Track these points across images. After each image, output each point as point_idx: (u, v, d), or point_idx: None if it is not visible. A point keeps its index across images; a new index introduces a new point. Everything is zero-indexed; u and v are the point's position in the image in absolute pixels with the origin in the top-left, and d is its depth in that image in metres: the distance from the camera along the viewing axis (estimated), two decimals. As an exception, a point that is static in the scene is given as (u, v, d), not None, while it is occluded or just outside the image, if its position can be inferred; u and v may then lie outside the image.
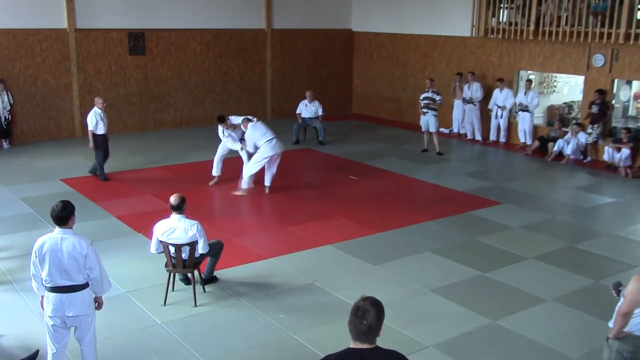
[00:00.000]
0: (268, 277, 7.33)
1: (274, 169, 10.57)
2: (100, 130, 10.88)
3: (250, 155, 10.65)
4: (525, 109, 13.91)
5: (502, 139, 14.78)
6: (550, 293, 6.97)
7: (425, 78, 15.25)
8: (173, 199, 6.50)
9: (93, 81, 14.82)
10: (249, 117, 10.68)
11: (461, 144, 14.96)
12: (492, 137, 14.89)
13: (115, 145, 13.71)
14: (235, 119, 10.92)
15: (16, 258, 7.71)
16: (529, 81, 14.22)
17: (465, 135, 15.37)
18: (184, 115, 16.32)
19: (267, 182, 10.59)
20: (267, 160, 10.31)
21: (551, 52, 13.92)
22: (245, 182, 10.50)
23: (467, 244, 8.45)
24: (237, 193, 10.52)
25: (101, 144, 10.98)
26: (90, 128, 10.85)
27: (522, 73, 14.95)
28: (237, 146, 10.85)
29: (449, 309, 6.59)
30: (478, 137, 15.10)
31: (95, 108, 10.91)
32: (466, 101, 14.89)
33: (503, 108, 14.43)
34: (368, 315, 3.05)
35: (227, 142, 10.90)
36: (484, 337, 6.05)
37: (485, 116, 15.04)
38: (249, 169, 10.45)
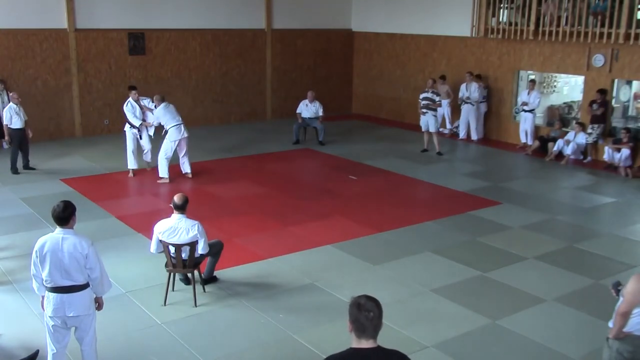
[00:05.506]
0: (268, 277, 7.34)
1: (185, 154, 11.36)
2: (16, 124, 11.34)
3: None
4: (529, 109, 13.88)
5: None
6: (550, 293, 6.97)
7: (425, 78, 15.25)
8: (177, 199, 6.52)
9: (93, 81, 14.82)
10: (163, 97, 11.45)
11: (461, 144, 14.96)
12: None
13: (116, 145, 13.73)
14: (146, 101, 11.55)
15: (16, 258, 7.71)
16: (533, 81, 14.18)
17: (458, 134, 15.39)
18: (184, 115, 16.07)
19: (186, 169, 11.40)
20: (175, 143, 11.07)
21: (551, 52, 13.91)
22: (164, 170, 11.09)
23: (467, 244, 8.45)
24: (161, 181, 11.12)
25: (16, 138, 11.40)
26: (4, 122, 11.47)
27: (522, 73, 14.94)
28: (137, 122, 11.28)
29: (449, 309, 6.60)
30: (474, 137, 15.10)
31: (11, 103, 11.41)
32: (464, 101, 14.93)
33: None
34: (370, 306, 3.17)
35: (128, 114, 11.29)
36: (484, 337, 6.05)
37: (481, 116, 15.07)
38: (162, 154, 11.07)
